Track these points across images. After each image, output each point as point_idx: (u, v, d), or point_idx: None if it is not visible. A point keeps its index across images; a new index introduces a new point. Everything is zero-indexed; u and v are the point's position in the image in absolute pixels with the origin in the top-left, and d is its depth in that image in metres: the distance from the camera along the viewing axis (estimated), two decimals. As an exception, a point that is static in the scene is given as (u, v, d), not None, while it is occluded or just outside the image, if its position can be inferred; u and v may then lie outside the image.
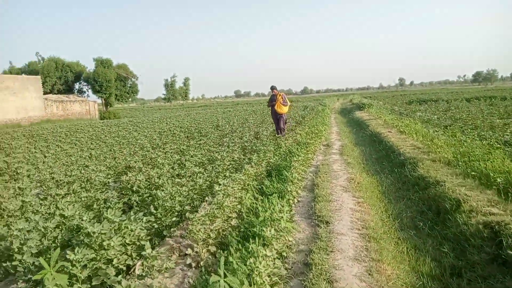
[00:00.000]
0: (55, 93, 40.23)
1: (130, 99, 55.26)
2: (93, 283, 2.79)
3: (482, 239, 3.67)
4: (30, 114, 31.04)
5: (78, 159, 8.77)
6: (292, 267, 3.35)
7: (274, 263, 2.99)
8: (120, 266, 3.12)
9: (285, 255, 3.53)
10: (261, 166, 6.59)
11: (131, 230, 3.32)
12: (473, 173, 5.56)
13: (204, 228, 3.63)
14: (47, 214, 4.05)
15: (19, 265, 2.92)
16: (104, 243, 2.96)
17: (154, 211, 4.10)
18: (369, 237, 3.92)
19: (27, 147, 12.00)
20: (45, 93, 36.47)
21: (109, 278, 2.88)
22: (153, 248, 3.73)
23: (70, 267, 2.66)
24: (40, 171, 7.29)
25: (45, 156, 9.49)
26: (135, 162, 7.31)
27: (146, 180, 5.37)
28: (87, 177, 5.82)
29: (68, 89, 43.45)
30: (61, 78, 42.60)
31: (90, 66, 46.23)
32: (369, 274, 3.16)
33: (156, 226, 4.01)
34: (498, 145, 7.31)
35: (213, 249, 3.55)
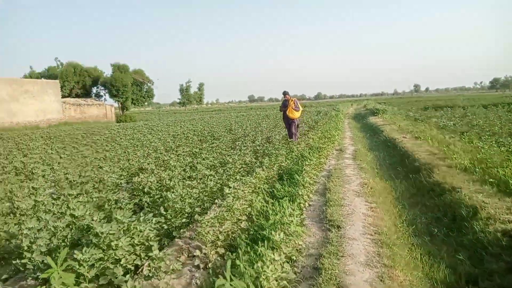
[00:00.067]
0: (73, 97, 41.13)
1: (146, 103, 56.10)
2: (100, 282, 2.79)
3: (501, 248, 3.54)
4: (48, 116, 31.76)
5: (93, 160, 8.90)
6: (301, 271, 3.29)
7: (282, 267, 2.94)
8: (128, 266, 3.11)
9: (295, 258, 3.48)
10: (272, 170, 6.54)
11: (140, 231, 3.31)
12: (491, 180, 5.39)
13: (213, 230, 3.61)
14: (59, 213, 4.09)
15: (28, 263, 2.94)
16: (112, 244, 2.96)
17: (164, 213, 4.09)
18: (381, 243, 3.83)
19: (44, 148, 12.25)
20: (63, 96, 37.31)
21: (116, 278, 2.88)
22: (162, 249, 3.73)
23: (77, 267, 2.66)
24: (55, 171, 7.42)
25: (60, 157, 9.66)
26: (148, 164, 7.36)
27: (157, 182, 5.39)
28: (100, 178, 5.87)
29: (86, 93, 44.37)
30: (79, 83, 43.57)
31: (107, 71, 47.16)
32: (381, 280, 3.07)
33: (165, 227, 4.00)
34: (518, 152, 7.08)
35: (221, 251, 3.52)
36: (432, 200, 5.34)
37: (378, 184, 6.33)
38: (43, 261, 2.96)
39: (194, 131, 16.89)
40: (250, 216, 4.43)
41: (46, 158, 9.36)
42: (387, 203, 5.36)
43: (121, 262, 3.01)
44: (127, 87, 43.15)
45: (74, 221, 3.62)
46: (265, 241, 3.30)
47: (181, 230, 3.98)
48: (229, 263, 2.53)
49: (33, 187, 5.30)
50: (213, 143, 11.48)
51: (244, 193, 4.79)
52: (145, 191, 5.06)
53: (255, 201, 4.71)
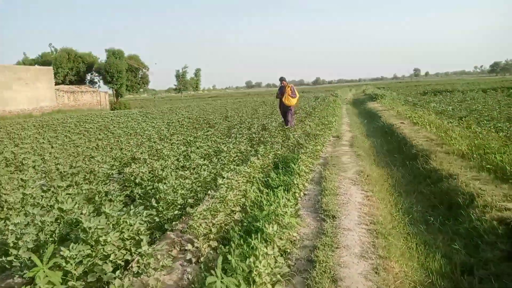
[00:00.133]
0: (67, 84, 40.55)
1: (141, 90, 55.42)
2: (89, 280, 2.71)
3: (496, 236, 3.50)
4: (41, 104, 31.36)
5: (85, 149, 8.77)
6: (295, 263, 3.23)
7: (275, 262, 2.87)
8: (118, 262, 3.03)
9: (289, 251, 3.41)
10: (268, 158, 6.45)
11: (130, 225, 3.23)
12: (488, 166, 5.33)
13: (206, 223, 3.53)
14: (49, 206, 4.00)
15: (15, 260, 2.86)
16: (101, 239, 2.87)
17: (156, 205, 4.01)
18: (377, 233, 3.77)
19: (36, 137, 12.07)
20: (57, 83, 36.78)
21: (105, 274, 2.80)
22: (153, 242, 3.66)
23: (64, 264, 2.58)
24: (45, 162, 7.29)
25: (52, 147, 9.51)
26: (141, 153, 7.25)
27: (149, 172, 5.29)
28: (91, 168, 5.76)
29: (80, 80, 43.74)
30: (73, 69, 42.85)
31: (102, 57, 46.20)
32: (376, 272, 3.02)
33: (157, 219, 3.92)
34: (515, 137, 7.02)
35: (214, 244, 3.45)
36: (429, 188, 5.29)
37: (374, 171, 6.26)
38: (29, 258, 2.88)
39: (189, 118, 16.73)
40: (244, 206, 4.35)
41: (37, 148, 9.21)
42: (383, 191, 5.30)
43: (110, 258, 2.93)
44: (121, 73, 42.48)
45: (63, 215, 3.52)
46: (259, 234, 3.23)
47: (174, 223, 3.91)
48: (220, 259, 2.45)
49: (22, 179, 5.18)
50: (208, 131, 11.35)
51: (238, 183, 4.70)
52: (137, 182, 4.96)
53: (250, 191, 4.63)
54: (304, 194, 5.15)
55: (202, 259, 3.22)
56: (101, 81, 44.43)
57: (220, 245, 3.40)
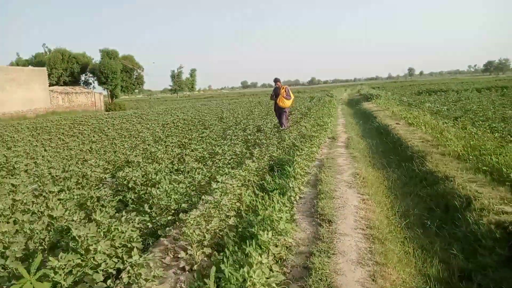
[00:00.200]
0: (61, 85, 40.21)
1: (136, 91, 55.08)
2: (79, 290, 2.64)
3: (494, 240, 3.46)
4: (35, 106, 31.07)
5: (78, 152, 8.66)
6: (290, 271, 3.17)
7: (270, 270, 2.81)
8: (110, 271, 2.96)
9: (284, 257, 3.35)
10: (263, 161, 6.39)
11: (122, 232, 3.16)
12: (484, 168, 5.30)
13: (200, 229, 3.45)
14: (39, 213, 3.90)
15: (2, 270, 2.78)
16: (91, 248, 2.80)
17: (149, 210, 3.93)
18: (373, 238, 3.72)
19: (29, 140, 11.92)
20: (51, 84, 36.47)
21: (96, 284, 2.73)
22: (146, 249, 3.58)
23: (53, 275, 2.50)
24: (38, 166, 7.17)
25: (45, 150, 9.38)
26: (135, 156, 7.16)
27: (143, 176, 5.20)
28: (84, 172, 5.66)
29: (74, 81, 43.38)
30: (67, 70, 42.48)
31: (96, 58, 45.82)
32: (373, 279, 2.96)
33: (150, 225, 3.85)
34: (511, 138, 7.01)
35: (208, 251, 3.37)
36: (425, 190, 5.25)
37: (370, 174, 6.22)
38: (17, 268, 2.80)
39: (184, 120, 16.63)
40: (239, 211, 4.29)
41: (30, 151, 9.08)
42: (379, 194, 5.26)
43: (101, 267, 2.86)
44: (116, 73, 42.18)
45: (53, 222, 3.44)
46: (253, 240, 3.16)
47: (167, 228, 3.83)
48: (213, 270, 2.39)
49: (12, 184, 5.07)
50: (203, 132, 11.27)
51: (233, 187, 4.63)
52: (130, 186, 4.87)
53: (245, 195, 4.56)
54: (300, 198, 5.09)
55: (195, 267, 3.15)
56: (96, 82, 44.14)
57: (215, 252, 3.33)
